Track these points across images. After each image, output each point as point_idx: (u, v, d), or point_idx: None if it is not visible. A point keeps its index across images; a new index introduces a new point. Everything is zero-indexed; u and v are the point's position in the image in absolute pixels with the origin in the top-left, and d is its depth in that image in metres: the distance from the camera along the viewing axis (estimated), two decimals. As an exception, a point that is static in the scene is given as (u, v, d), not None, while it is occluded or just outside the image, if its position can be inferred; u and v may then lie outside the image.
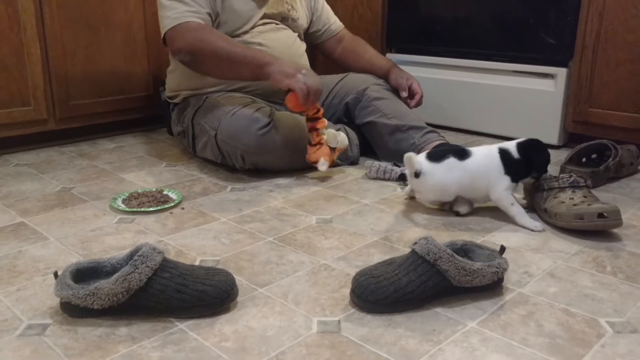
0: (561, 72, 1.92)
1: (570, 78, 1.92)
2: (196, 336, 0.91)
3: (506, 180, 1.35)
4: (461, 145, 1.52)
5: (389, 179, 1.65)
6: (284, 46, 1.83)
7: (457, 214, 1.41)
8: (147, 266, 0.92)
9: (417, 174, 1.37)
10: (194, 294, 0.94)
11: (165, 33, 1.67)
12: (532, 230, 1.31)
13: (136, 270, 0.91)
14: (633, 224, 1.35)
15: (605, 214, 1.24)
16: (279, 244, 1.24)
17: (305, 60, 1.92)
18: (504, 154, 1.37)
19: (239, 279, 1.08)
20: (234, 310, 0.98)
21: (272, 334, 0.92)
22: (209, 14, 1.68)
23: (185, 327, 0.93)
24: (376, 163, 1.68)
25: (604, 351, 0.88)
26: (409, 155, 1.37)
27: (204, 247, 1.22)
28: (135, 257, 0.93)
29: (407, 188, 1.51)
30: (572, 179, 1.35)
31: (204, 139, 1.71)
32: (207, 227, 1.33)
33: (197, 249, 1.22)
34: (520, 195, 1.46)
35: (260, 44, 1.77)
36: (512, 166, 1.36)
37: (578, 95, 1.89)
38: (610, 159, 1.60)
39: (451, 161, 1.37)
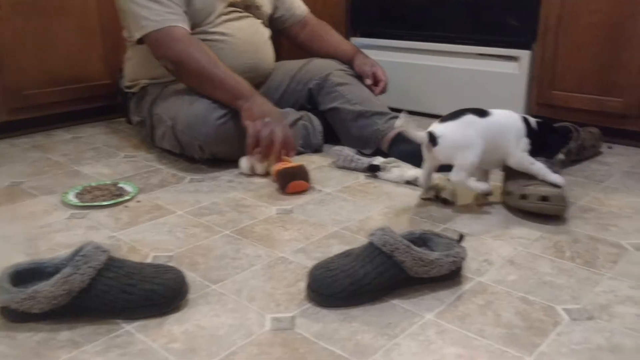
0: (524, 55, 1.91)
1: (534, 61, 1.90)
2: (143, 338, 0.87)
3: (526, 143, 1.30)
4: None
5: (355, 169, 1.61)
6: (246, 34, 1.78)
7: (446, 202, 1.37)
8: (90, 266, 0.88)
9: (433, 140, 1.26)
10: (141, 294, 0.90)
11: (147, 35, 1.60)
12: (558, 185, 1.27)
13: (78, 271, 0.87)
14: (593, 207, 1.35)
15: (548, 197, 1.23)
16: (236, 237, 1.21)
17: (269, 47, 1.88)
18: (525, 119, 1.34)
19: (192, 276, 1.05)
20: (185, 309, 0.95)
21: (223, 333, 0.89)
22: (185, 12, 1.64)
23: (132, 329, 0.90)
24: (345, 151, 1.64)
25: (560, 339, 0.87)
26: (404, 129, 1.28)
27: (157, 242, 1.18)
28: (77, 257, 0.88)
29: (421, 181, 1.37)
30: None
31: (162, 129, 1.66)
32: (162, 220, 1.29)
33: (150, 244, 1.18)
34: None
35: (222, 33, 1.72)
36: (531, 134, 1.32)
37: (541, 78, 1.88)
38: (572, 142, 1.60)
39: (470, 117, 1.29)
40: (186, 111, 1.57)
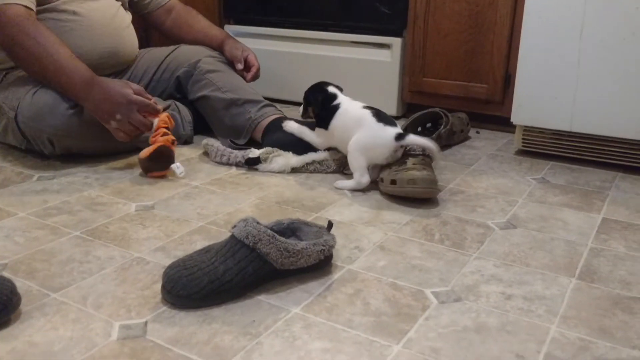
0: (396, 42, 1.92)
1: (405, 48, 1.92)
2: (-42, 362, 0.74)
3: None
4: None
5: (230, 164, 1.50)
6: (103, 17, 1.62)
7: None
8: None
9: (401, 139, 1.29)
10: (-44, 311, 0.76)
11: None
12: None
13: None
14: (462, 189, 1.37)
15: (416, 180, 1.23)
16: (87, 239, 1.08)
17: (130, 32, 1.73)
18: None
19: (28, 285, 0.91)
20: (15, 323, 0.82)
21: (59, 348, 0.77)
22: None
23: (-56, 353, 0.75)
24: (215, 145, 1.54)
25: (427, 324, 0.85)
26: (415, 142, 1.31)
27: (-10, 250, 1.03)
28: None
29: (345, 184, 1.36)
30: (408, 147, 1.34)
31: (4, 121, 1.47)
32: (-2, 224, 1.13)
33: (-19, 252, 1.02)
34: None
35: (74, 12, 1.55)
36: None
37: (413, 65, 1.90)
38: (442, 127, 1.62)
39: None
40: (30, 100, 1.39)
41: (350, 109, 1.37)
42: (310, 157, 1.46)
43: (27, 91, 1.41)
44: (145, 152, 1.37)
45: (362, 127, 1.32)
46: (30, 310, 0.85)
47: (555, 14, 1.46)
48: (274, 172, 1.45)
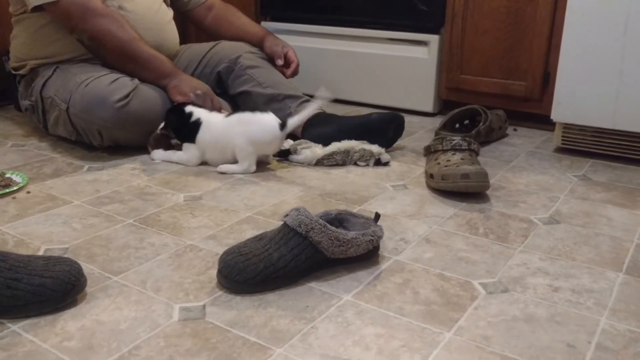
0: (434, 40, 1.93)
1: (442, 45, 1.93)
2: (32, 338, 0.78)
3: None
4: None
5: None
6: (147, 12, 1.66)
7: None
8: (-34, 260, 0.77)
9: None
10: (28, 289, 0.80)
11: (55, 2, 1.47)
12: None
13: (-50, 267, 0.76)
14: (503, 185, 1.38)
15: (469, 175, 1.24)
16: (140, 226, 1.12)
17: (172, 27, 1.77)
18: None
19: (90, 268, 0.95)
20: (82, 303, 0.86)
21: (125, 326, 0.81)
22: None
23: (18, 329, 0.79)
24: None
25: (477, 313, 0.86)
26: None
27: (50, 235, 1.07)
28: (-50, 251, 0.77)
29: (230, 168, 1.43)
30: (455, 141, 1.35)
31: (55, 113, 1.52)
32: (55, 212, 1.17)
33: (42, 237, 1.06)
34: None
35: (121, 8, 1.60)
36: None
37: (450, 63, 1.91)
38: (481, 124, 1.63)
39: None
40: (81, 93, 1.44)
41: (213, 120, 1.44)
42: (334, 147, 1.48)
43: (78, 84, 1.46)
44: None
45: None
46: (94, 292, 0.89)
47: (598, 10, 1.46)
48: (300, 163, 1.48)
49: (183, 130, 1.44)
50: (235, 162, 1.42)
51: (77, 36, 1.53)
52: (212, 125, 1.42)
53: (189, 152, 1.46)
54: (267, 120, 1.39)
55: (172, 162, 1.48)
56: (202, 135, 1.43)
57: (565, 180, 1.41)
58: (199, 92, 1.52)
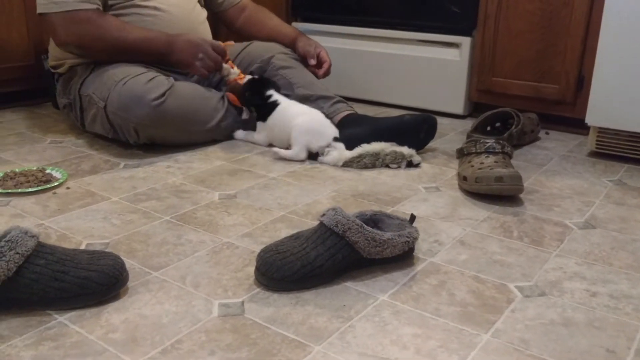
0: (465, 41, 1.92)
1: (474, 47, 1.92)
2: (78, 329, 0.80)
3: None
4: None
5: None
6: (183, 12, 1.69)
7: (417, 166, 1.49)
8: (17, 253, 0.79)
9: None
10: (75, 282, 0.83)
11: (44, 15, 1.52)
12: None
13: (3, 259, 0.78)
14: (536, 189, 1.37)
15: (503, 177, 1.24)
16: (177, 223, 1.14)
17: (206, 28, 1.80)
18: None
19: (131, 263, 0.98)
20: (124, 297, 0.88)
21: (167, 320, 0.82)
22: None
23: (65, 320, 0.82)
24: None
25: (514, 316, 0.86)
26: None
27: (91, 230, 1.10)
28: (2, 243, 0.79)
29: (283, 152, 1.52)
30: (488, 144, 1.35)
31: (93, 111, 1.56)
32: (95, 207, 1.20)
33: (83, 231, 1.09)
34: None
35: (156, 8, 1.63)
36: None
37: (482, 65, 1.90)
38: (514, 127, 1.62)
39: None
40: (119, 91, 1.47)
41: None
42: (362, 149, 1.49)
43: (115, 83, 1.49)
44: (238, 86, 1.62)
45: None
46: (135, 286, 0.91)
47: (636, 13, 1.44)
48: (328, 164, 1.49)
49: (260, 109, 1.59)
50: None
51: (66, 49, 1.59)
52: (282, 110, 1.55)
53: (261, 133, 1.61)
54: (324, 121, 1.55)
55: (248, 142, 1.64)
56: (272, 117, 1.56)
57: (600, 185, 1.40)
58: (200, 55, 1.55)
